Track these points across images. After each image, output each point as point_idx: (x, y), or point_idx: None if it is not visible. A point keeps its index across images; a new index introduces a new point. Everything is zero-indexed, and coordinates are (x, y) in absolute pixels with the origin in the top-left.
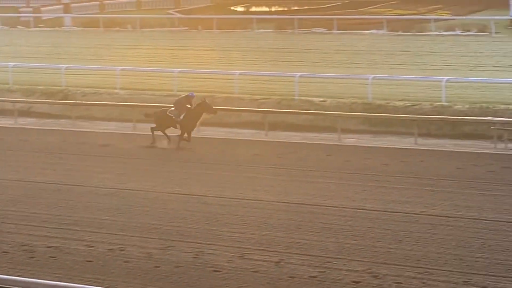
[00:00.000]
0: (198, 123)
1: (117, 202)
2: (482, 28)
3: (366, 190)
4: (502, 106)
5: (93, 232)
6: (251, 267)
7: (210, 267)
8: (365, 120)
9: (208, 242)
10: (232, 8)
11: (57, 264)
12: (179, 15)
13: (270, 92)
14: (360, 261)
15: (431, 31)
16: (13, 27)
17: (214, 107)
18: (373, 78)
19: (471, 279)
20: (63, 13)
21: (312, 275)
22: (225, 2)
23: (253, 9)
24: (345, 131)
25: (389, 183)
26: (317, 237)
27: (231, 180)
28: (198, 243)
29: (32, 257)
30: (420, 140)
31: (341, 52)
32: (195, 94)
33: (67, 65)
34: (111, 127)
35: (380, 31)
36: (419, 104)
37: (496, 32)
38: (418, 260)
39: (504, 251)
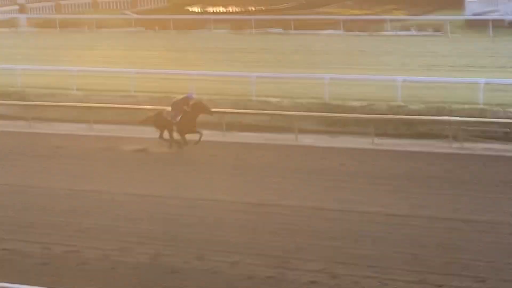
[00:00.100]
0: (195, 124)
1: (73, 204)
2: (438, 28)
3: (323, 190)
4: (458, 106)
5: (48, 234)
6: (209, 268)
7: (167, 268)
8: (322, 120)
9: (165, 244)
10: (189, 8)
11: (12, 267)
12: (135, 16)
13: (226, 92)
14: (318, 261)
15: (387, 31)
16: None
17: (210, 108)
18: (330, 78)
19: (427, 277)
20: (19, 14)
21: (270, 275)
22: (182, 2)
23: (210, 9)
24: (303, 131)
25: (346, 183)
26: (274, 237)
27: (189, 181)
28: (155, 244)
29: None
30: (377, 140)
31: (298, 52)
32: (193, 95)
33: (23, 66)
34: (67, 128)
35: (337, 31)
36: (376, 104)
37: (451, 33)
38: (375, 259)
39: (459, 250)
